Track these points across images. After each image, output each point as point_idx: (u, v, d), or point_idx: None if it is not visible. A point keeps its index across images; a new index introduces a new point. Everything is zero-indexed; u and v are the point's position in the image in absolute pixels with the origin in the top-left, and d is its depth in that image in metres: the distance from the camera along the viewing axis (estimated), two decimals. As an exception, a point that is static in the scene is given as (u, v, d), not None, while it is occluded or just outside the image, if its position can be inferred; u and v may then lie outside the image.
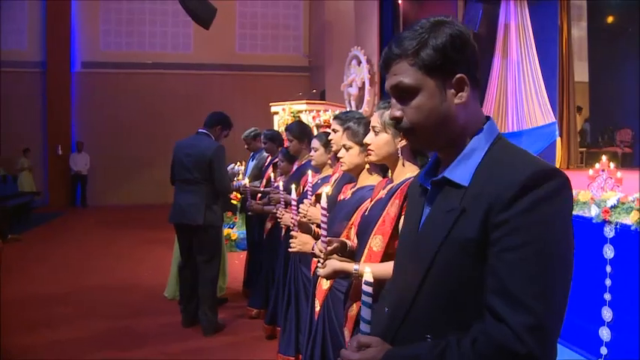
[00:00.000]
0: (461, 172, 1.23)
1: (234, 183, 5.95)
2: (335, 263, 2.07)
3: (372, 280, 1.21)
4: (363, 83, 11.87)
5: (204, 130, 4.97)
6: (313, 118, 8.51)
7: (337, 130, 3.03)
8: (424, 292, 1.21)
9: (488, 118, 1.30)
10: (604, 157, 3.85)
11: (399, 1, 11.61)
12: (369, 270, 1.22)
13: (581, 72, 11.65)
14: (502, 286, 1.07)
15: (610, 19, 11.46)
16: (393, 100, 1.29)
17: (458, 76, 1.23)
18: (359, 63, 12.03)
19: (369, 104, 11.63)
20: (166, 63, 15.88)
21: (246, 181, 5.15)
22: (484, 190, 1.14)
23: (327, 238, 2.09)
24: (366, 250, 2.05)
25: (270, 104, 9.02)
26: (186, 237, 4.93)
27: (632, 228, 3.40)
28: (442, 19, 1.25)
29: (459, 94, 1.24)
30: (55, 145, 15.05)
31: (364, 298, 1.22)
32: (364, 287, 1.21)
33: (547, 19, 9.13)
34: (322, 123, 8.44)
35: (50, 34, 15.00)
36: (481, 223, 1.12)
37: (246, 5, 16.52)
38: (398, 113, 1.28)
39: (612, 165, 3.84)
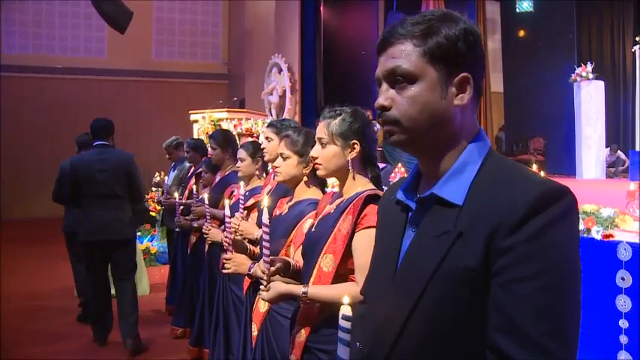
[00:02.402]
0: (453, 188, 1.06)
1: (155, 195, 5.77)
2: (280, 286, 1.88)
3: (350, 313, 1.03)
4: (284, 91, 11.78)
5: (104, 142, 4.71)
6: (235, 126, 8.33)
7: (272, 139, 2.88)
8: (411, 330, 1.03)
9: (480, 129, 1.15)
10: (534, 166, 3.87)
11: (321, 9, 11.61)
12: (347, 302, 1.04)
13: (496, 82, 12.12)
14: (510, 322, 0.92)
15: (522, 33, 11.99)
16: (383, 87, 1.12)
17: (463, 74, 1.08)
18: (280, 71, 11.93)
19: (290, 113, 11.54)
20: (78, 68, 15.13)
21: (176, 195, 4.89)
22: (484, 211, 0.98)
23: (270, 257, 1.90)
24: (315, 271, 1.88)
25: (190, 112, 8.77)
26: (102, 254, 4.66)
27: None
28: (454, 13, 1.11)
29: (460, 95, 1.08)
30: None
31: (341, 335, 1.03)
32: (342, 322, 1.02)
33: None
34: (244, 132, 8.28)
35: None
36: (482, 249, 0.96)
37: (163, 10, 16.06)
38: (386, 102, 1.10)
39: (542, 174, 3.87)
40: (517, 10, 11.91)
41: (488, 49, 11.28)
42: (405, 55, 1.08)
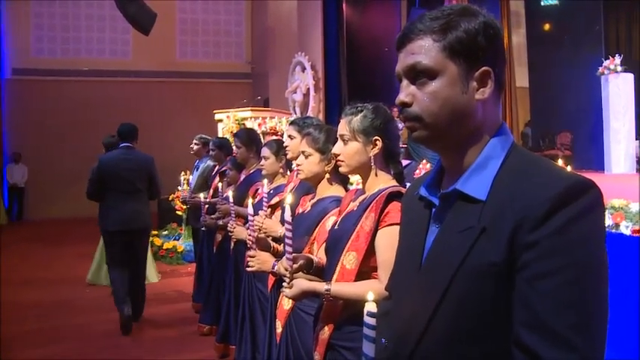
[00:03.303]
0: (476, 184, 1.05)
1: (181, 194, 5.91)
2: (303, 283, 1.89)
3: (375, 310, 1.03)
4: (308, 90, 11.78)
5: (129, 144, 5.31)
6: (259, 125, 8.34)
7: (294, 137, 2.88)
8: (436, 326, 1.03)
9: (502, 123, 1.14)
10: (560, 161, 3.82)
11: (343, 7, 11.58)
12: (372, 298, 1.04)
13: (521, 77, 11.95)
14: (536, 318, 0.91)
15: (547, 27, 11.80)
16: (404, 83, 1.11)
17: (483, 68, 1.07)
18: (303, 69, 11.93)
19: (313, 111, 11.53)
20: (104, 70, 15.36)
21: (201, 194, 4.94)
22: (508, 206, 0.97)
23: (292, 254, 1.91)
24: (338, 268, 1.88)
25: (214, 111, 8.82)
26: (127, 242, 5.19)
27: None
28: (473, 7, 1.10)
29: (481, 90, 1.07)
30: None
31: (366, 331, 1.03)
32: (367, 319, 1.02)
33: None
34: (268, 130, 8.30)
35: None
36: (507, 244, 0.95)
37: (186, 11, 16.19)
38: (407, 98, 1.09)
39: (569, 168, 3.82)
40: (542, 3, 11.73)
41: (513, 43, 11.12)
42: (424, 50, 1.07)
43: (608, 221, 3.28)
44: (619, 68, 8.31)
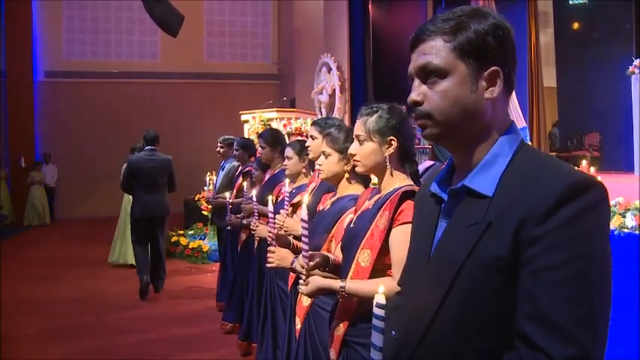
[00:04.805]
0: (484, 180, 1.08)
1: (206, 194, 6.14)
2: (319, 280, 1.92)
3: (384, 302, 1.06)
4: (334, 90, 11.80)
5: (152, 147, 6.38)
6: (284, 126, 8.41)
7: (316, 137, 2.91)
8: (443, 317, 1.06)
9: (511, 122, 1.16)
10: (584, 162, 3.79)
11: (369, 7, 11.58)
12: (382, 290, 1.08)
13: (549, 77, 11.80)
14: (539, 311, 0.94)
15: (575, 26, 11.63)
16: (415, 83, 1.15)
17: (492, 68, 1.10)
18: (329, 70, 11.95)
19: (339, 112, 11.55)
20: (133, 72, 15.57)
21: (227, 194, 5.02)
22: (514, 202, 1.00)
23: (309, 252, 1.95)
24: (353, 266, 1.91)
25: (240, 112, 8.91)
26: (150, 225, 6.32)
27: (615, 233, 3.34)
28: (484, 9, 1.14)
29: (491, 89, 1.11)
30: (18, 156, 14.53)
31: (375, 322, 1.07)
32: (376, 310, 1.07)
33: (515, 25, 8.95)
34: (293, 131, 8.35)
35: (10, 42, 14.50)
36: (512, 238, 0.98)
37: (213, 13, 16.34)
38: (419, 97, 1.13)
39: (592, 169, 3.79)
40: (570, 2, 11.58)
41: (540, 43, 10.95)
42: (435, 51, 1.11)
43: (632, 222, 3.25)
44: (649, 68, 8.14)
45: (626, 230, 3.25)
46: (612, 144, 10.12)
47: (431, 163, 5.97)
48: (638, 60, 8.29)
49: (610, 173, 7.26)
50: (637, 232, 3.20)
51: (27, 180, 13.76)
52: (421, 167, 2.23)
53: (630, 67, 8.39)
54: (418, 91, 1.14)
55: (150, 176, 6.25)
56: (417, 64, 1.14)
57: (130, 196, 6.57)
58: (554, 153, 10.55)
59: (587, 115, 10.86)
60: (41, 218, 13.83)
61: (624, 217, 3.28)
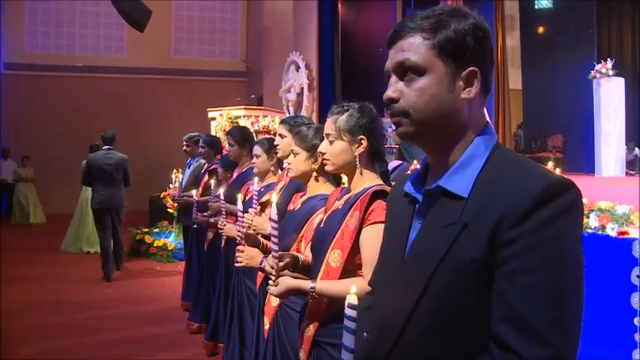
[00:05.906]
0: (459, 181, 1.07)
1: (172, 192, 6.08)
2: (288, 281, 1.90)
3: (356, 302, 1.05)
4: (302, 89, 11.77)
5: (110, 147, 7.29)
6: (252, 123, 8.36)
7: (285, 136, 2.89)
8: (417, 319, 1.05)
9: (487, 123, 1.16)
10: (550, 163, 3.85)
11: (339, 6, 11.59)
12: (354, 291, 1.06)
13: (514, 79, 12.00)
14: (513, 312, 0.94)
15: (541, 30, 11.87)
16: (392, 80, 1.13)
17: (470, 68, 1.09)
18: (297, 68, 11.92)
19: (307, 110, 11.53)
20: (98, 66, 15.29)
21: (193, 192, 4.93)
22: (489, 204, 0.99)
23: (279, 252, 1.93)
24: (323, 266, 1.89)
25: (208, 109, 8.83)
26: (108, 215, 7.18)
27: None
28: (464, 8, 1.13)
29: (468, 89, 1.10)
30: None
31: (347, 323, 1.05)
32: (347, 311, 1.05)
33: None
34: (261, 129, 8.30)
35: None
36: (487, 240, 0.97)
37: (182, 8, 16.15)
38: (395, 94, 1.12)
39: (558, 170, 3.85)
40: (536, 7, 11.80)
41: (507, 45, 11.18)
42: (414, 47, 1.10)
43: (595, 223, 3.32)
44: (610, 72, 8.36)
45: (589, 231, 3.33)
46: (575, 146, 10.36)
47: (398, 162, 6.01)
48: (599, 65, 8.51)
49: (573, 174, 7.40)
50: (600, 232, 3.27)
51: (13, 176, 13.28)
52: (389, 167, 2.22)
53: (592, 71, 8.60)
54: (394, 87, 1.12)
55: (107, 172, 7.10)
56: (394, 60, 1.13)
57: (88, 192, 7.48)
58: (519, 154, 10.74)
59: (551, 118, 11.10)
60: (27, 216, 13.13)
61: (588, 217, 3.35)
